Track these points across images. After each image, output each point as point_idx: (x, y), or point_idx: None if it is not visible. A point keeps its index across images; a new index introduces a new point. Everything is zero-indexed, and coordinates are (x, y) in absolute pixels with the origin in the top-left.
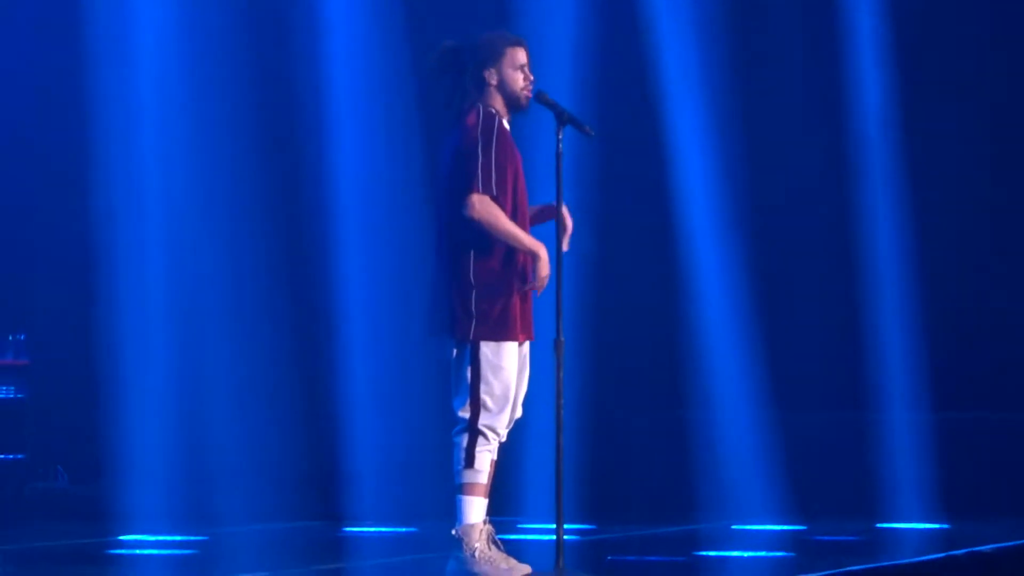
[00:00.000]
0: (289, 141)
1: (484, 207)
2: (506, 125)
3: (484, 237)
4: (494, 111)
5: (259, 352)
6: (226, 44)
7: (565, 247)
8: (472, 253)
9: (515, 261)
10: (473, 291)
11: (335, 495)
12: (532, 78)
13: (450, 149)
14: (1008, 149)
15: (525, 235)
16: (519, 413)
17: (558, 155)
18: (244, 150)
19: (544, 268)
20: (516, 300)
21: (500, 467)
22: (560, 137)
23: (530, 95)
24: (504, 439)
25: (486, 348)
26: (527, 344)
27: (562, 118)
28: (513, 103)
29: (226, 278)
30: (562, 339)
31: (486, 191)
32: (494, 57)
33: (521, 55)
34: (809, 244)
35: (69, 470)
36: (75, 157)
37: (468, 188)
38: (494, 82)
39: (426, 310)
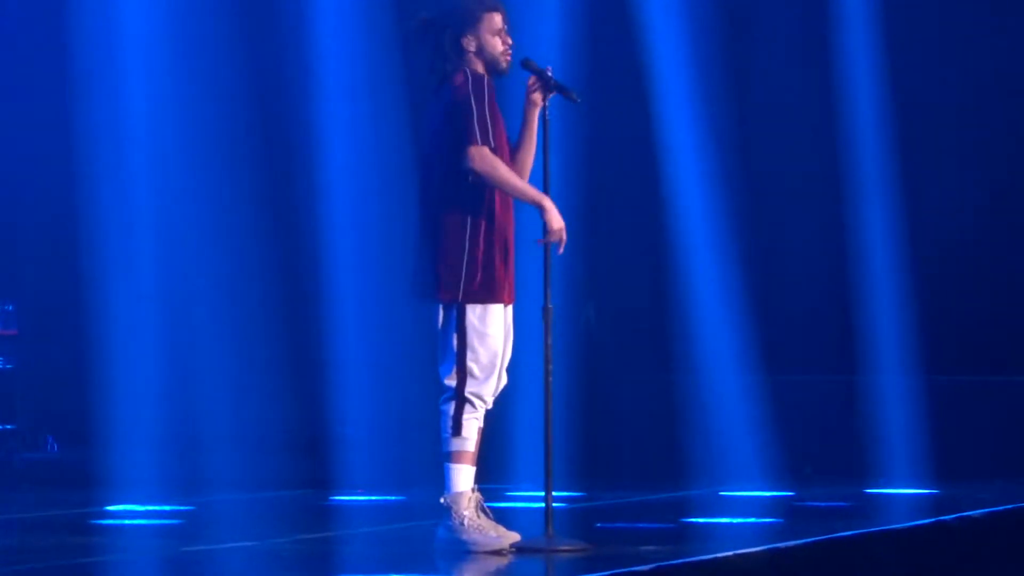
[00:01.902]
0: (277, 110)
1: (484, 158)
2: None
3: (471, 199)
4: (480, 73)
5: (248, 320)
6: (214, 23)
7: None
8: (457, 216)
9: (500, 225)
10: (459, 255)
11: (324, 462)
12: (511, 42)
13: (438, 110)
14: (1002, 115)
15: (528, 186)
16: (505, 380)
17: (544, 122)
18: (232, 123)
19: (554, 219)
20: (500, 263)
21: (488, 434)
22: (546, 104)
23: (509, 59)
24: (491, 406)
25: (471, 314)
26: (510, 309)
27: (548, 85)
28: (493, 68)
29: (214, 246)
30: (550, 306)
31: (484, 142)
32: (471, 23)
33: (498, 19)
34: (799, 207)
35: (59, 439)
36: (62, 127)
37: (466, 141)
38: (473, 48)
39: (411, 274)
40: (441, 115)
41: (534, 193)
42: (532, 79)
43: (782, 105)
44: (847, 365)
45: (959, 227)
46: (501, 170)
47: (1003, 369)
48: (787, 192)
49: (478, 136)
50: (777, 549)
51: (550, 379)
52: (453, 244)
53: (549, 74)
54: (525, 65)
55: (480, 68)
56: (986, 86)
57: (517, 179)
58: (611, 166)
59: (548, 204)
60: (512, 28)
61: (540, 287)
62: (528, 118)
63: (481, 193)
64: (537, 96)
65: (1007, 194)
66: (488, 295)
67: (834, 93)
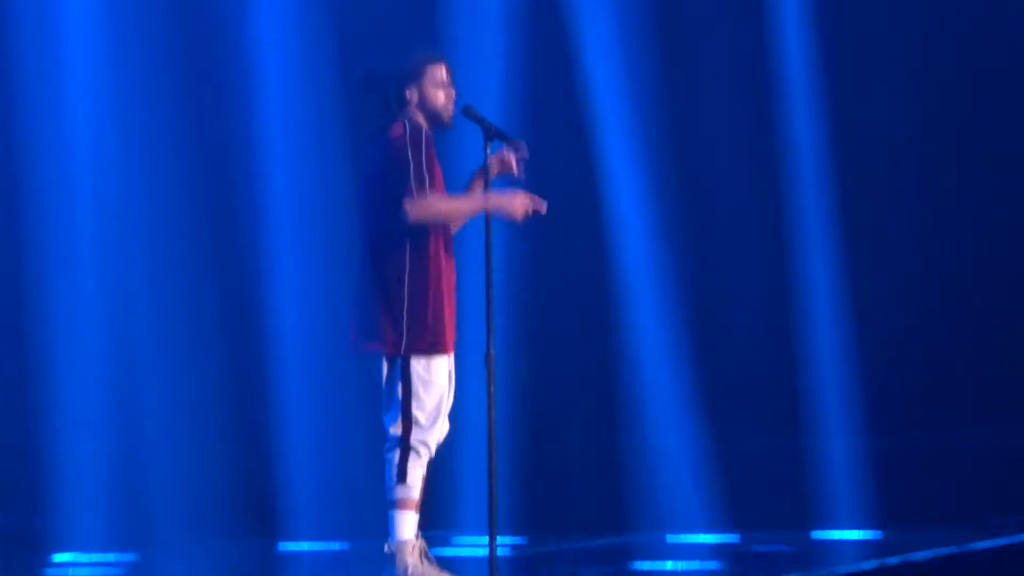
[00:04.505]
0: (221, 158)
1: (419, 208)
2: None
3: (409, 252)
4: (419, 124)
5: (193, 370)
6: (157, 43)
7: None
8: (395, 270)
9: (440, 274)
10: (402, 306)
11: (270, 511)
12: (454, 94)
13: (376, 162)
14: (942, 166)
15: (467, 201)
16: (447, 427)
17: (486, 169)
18: (175, 185)
19: (508, 209)
20: (443, 314)
21: (432, 481)
22: (488, 152)
23: (452, 112)
24: (434, 454)
25: (416, 364)
26: (452, 356)
27: (489, 132)
28: (435, 120)
29: (159, 297)
30: (492, 353)
31: (420, 195)
32: (415, 76)
33: (442, 72)
34: (742, 265)
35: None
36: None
37: (402, 195)
38: (415, 100)
39: (354, 325)
40: (376, 167)
41: (476, 205)
42: (496, 160)
43: (725, 161)
44: (792, 426)
45: (900, 289)
46: (438, 206)
47: (944, 424)
48: (731, 254)
49: (414, 190)
50: None
51: (493, 425)
52: (393, 298)
53: (490, 122)
54: (466, 112)
55: (421, 119)
56: (941, 145)
57: (456, 203)
58: (552, 214)
59: (491, 203)
60: (456, 77)
61: (482, 333)
62: (473, 185)
63: (419, 245)
64: (484, 181)
65: (949, 262)
66: (432, 347)
67: (778, 154)
